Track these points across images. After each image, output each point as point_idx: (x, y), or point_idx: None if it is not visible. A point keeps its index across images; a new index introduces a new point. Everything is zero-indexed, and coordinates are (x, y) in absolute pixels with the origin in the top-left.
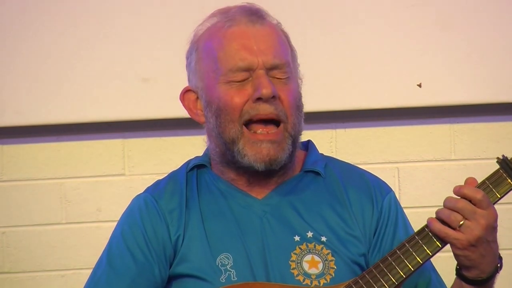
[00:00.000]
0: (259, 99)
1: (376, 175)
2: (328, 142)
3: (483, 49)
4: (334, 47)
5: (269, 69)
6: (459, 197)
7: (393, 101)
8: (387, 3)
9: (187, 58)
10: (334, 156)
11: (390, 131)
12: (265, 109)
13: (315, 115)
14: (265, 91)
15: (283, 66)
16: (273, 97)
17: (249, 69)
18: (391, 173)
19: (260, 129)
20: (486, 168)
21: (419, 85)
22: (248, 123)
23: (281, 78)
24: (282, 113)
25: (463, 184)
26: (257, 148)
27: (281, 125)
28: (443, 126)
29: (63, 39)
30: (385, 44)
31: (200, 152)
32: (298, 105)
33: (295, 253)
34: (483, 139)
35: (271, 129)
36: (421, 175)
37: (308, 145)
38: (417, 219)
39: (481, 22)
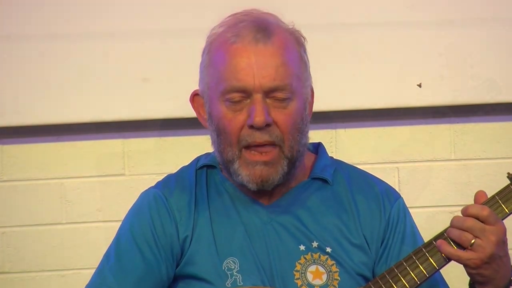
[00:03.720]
0: (251, 126)
1: (385, 181)
2: (328, 142)
3: (483, 49)
4: (334, 48)
5: (268, 92)
6: (466, 216)
7: (393, 101)
8: (387, 3)
9: (202, 56)
10: (334, 156)
11: (390, 131)
12: (261, 137)
13: (315, 115)
14: (258, 119)
15: (284, 87)
16: (267, 124)
17: (245, 91)
18: (391, 173)
19: (254, 151)
20: (486, 168)
21: (419, 85)
22: (245, 147)
23: (281, 100)
24: (278, 138)
25: (466, 184)
26: (251, 169)
27: (277, 148)
28: (443, 126)
29: (63, 39)
30: (385, 44)
31: (199, 152)
32: (299, 126)
33: (299, 263)
34: (483, 139)
35: (267, 149)
36: (421, 175)
37: (318, 148)
38: (417, 219)
39: (481, 22)
